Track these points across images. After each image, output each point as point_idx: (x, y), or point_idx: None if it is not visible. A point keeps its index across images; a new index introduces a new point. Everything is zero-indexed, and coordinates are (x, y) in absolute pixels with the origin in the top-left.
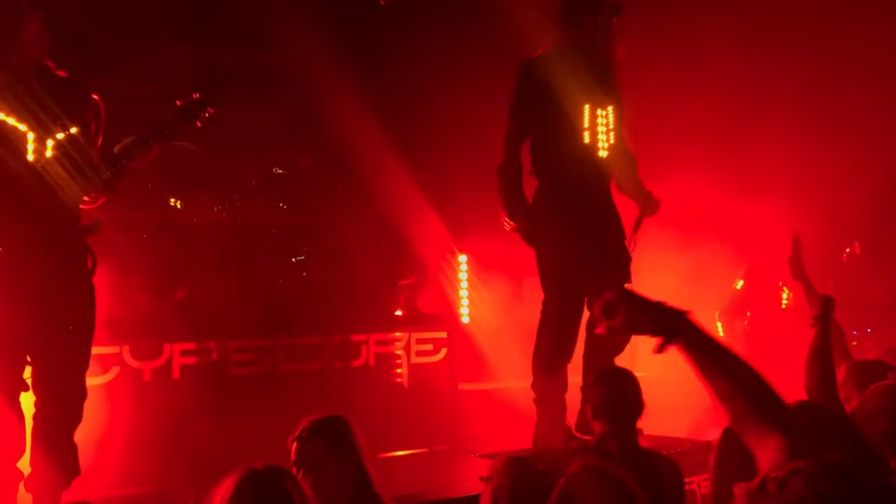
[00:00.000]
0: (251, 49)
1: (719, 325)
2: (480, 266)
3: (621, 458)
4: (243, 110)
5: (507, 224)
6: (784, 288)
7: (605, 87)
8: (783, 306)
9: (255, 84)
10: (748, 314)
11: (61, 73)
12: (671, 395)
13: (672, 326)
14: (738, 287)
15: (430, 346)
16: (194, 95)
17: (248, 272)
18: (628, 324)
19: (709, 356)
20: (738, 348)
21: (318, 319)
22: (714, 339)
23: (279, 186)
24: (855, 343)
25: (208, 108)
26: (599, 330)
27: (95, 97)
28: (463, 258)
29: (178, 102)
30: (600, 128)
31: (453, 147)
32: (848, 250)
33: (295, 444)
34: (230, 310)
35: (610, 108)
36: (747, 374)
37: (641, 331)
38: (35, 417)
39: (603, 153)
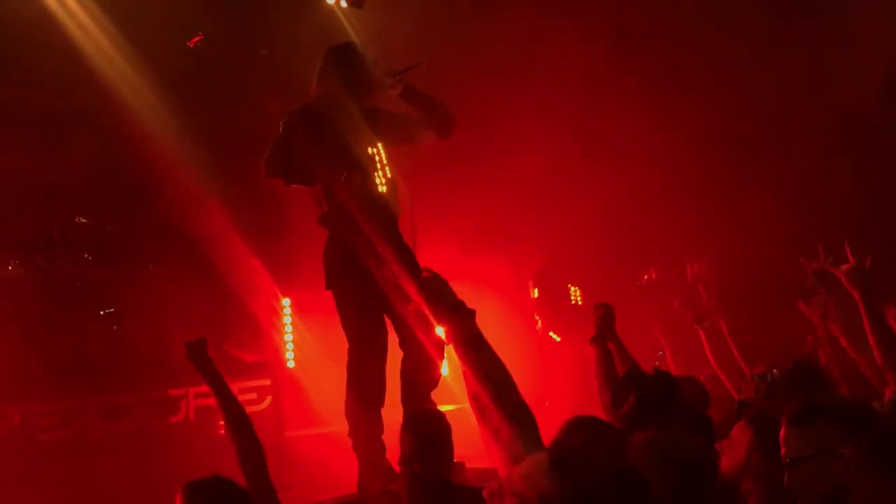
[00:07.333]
0: (48, 91)
1: None
2: (305, 309)
3: (428, 498)
4: (40, 156)
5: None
6: (572, 287)
7: (372, 126)
8: (574, 303)
9: (53, 128)
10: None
11: None
12: None
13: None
14: (535, 296)
15: (254, 395)
16: None
17: (52, 329)
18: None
19: (475, 353)
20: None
21: (132, 375)
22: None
23: (83, 236)
24: (658, 364)
25: None
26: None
27: None
28: (286, 301)
29: None
30: (376, 164)
31: (274, 188)
32: (646, 277)
33: None
34: (32, 370)
35: (380, 145)
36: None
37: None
38: None
39: (382, 188)
